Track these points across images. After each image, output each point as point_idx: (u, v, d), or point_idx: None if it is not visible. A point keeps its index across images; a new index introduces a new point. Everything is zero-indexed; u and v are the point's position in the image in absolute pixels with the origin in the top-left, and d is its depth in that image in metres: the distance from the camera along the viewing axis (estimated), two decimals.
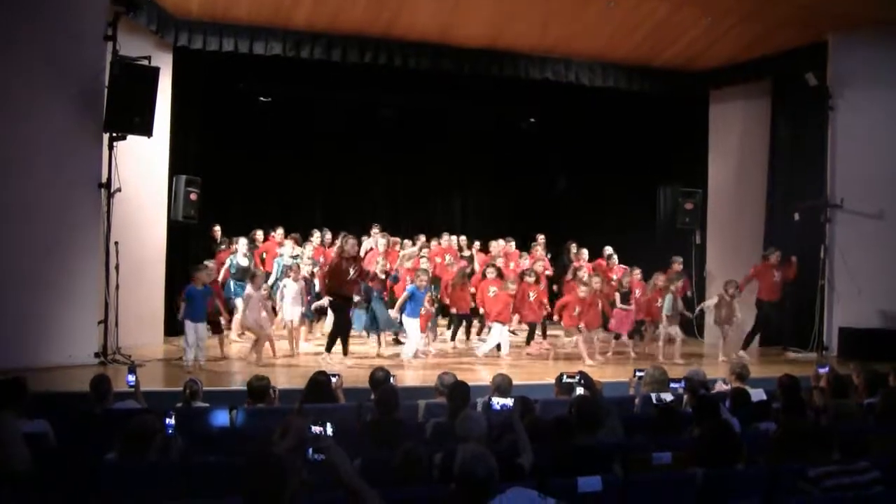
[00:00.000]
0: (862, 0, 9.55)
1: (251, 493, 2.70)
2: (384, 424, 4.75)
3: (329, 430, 3.25)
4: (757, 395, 5.52)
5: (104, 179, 8.68)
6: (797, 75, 10.84)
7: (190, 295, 8.41)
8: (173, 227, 10.53)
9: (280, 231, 11.60)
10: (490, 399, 4.78)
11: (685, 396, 5.76)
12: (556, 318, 10.13)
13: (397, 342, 10.25)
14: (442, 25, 10.60)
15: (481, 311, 10.36)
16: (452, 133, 15.18)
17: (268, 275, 10.20)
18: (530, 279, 10.00)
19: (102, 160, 8.70)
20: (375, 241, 11.27)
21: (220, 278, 10.03)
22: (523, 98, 13.73)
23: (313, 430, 3.25)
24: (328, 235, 11.74)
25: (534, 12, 10.33)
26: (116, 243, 8.70)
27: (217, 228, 11.43)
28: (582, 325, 9.50)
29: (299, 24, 10.46)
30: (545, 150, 15.69)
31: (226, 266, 10.33)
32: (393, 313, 9.30)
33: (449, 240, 11.94)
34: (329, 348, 9.04)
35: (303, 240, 11.39)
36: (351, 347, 9.23)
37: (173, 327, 9.80)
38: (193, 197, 10.26)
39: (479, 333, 11.06)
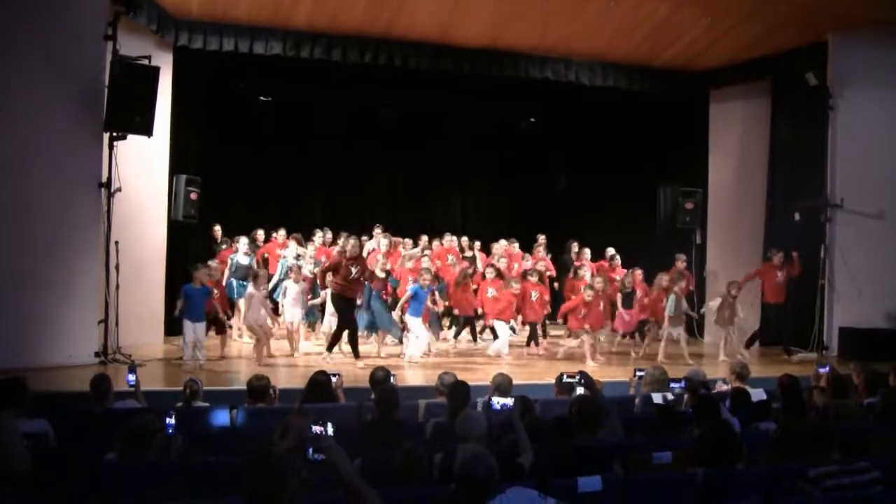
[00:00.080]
0: (862, 0, 9.55)
1: (251, 492, 2.70)
2: (384, 424, 4.75)
3: (330, 430, 3.25)
4: (757, 394, 5.52)
5: (104, 179, 8.68)
6: (797, 75, 10.84)
7: (188, 294, 8.42)
8: (173, 227, 10.54)
9: (282, 232, 11.60)
10: (490, 399, 4.78)
11: (685, 396, 5.76)
12: (560, 320, 10.13)
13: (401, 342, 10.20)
14: (442, 25, 10.60)
15: (479, 311, 10.37)
16: (452, 133, 15.18)
17: (271, 276, 10.19)
18: (533, 279, 9.98)
19: (102, 160, 8.70)
20: (378, 241, 11.28)
21: (224, 278, 10.04)
22: (523, 98, 13.73)
23: (314, 430, 3.25)
24: (328, 235, 11.74)
25: (534, 12, 10.33)
26: (117, 243, 8.71)
27: (217, 228, 11.43)
28: (587, 325, 9.49)
29: (299, 24, 10.46)
30: (545, 150, 15.69)
31: (227, 266, 10.33)
32: (395, 313, 9.30)
33: (451, 240, 11.93)
34: (330, 348, 9.04)
35: (305, 240, 11.39)
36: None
37: (173, 327, 9.79)
38: (194, 196, 10.27)
39: (481, 332, 11.05)
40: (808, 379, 6.42)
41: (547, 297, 10.50)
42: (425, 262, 10.05)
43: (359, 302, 9.16)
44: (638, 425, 5.27)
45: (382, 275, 9.49)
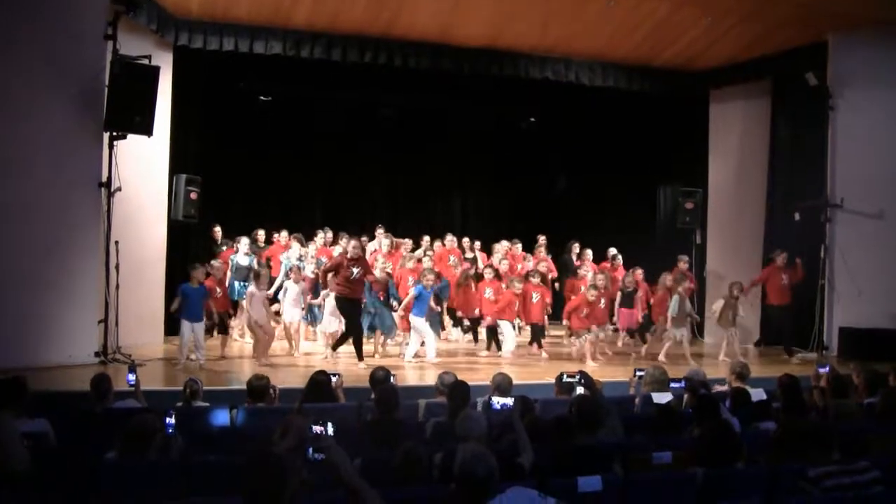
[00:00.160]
0: (862, 0, 9.55)
1: (251, 492, 2.70)
2: (384, 424, 4.75)
3: (330, 430, 3.25)
4: (757, 394, 5.52)
5: (104, 179, 8.68)
6: (797, 75, 10.85)
7: (185, 293, 8.42)
8: (173, 227, 10.54)
9: (284, 234, 11.61)
10: (490, 398, 4.78)
11: (685, 396, 5.76)
12: (565, 321, 10.13)
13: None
14: (442, 25, 10.60)
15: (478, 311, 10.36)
16: (452, 133, 15.17)
17: (274, 279, 10.17)
18: (534, 280, 9.96)
19: (102, 159, 8.70)
20: (379, 241, 11.29)
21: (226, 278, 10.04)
22: (523, 98, 13.73)
23: (314, 430, 3.24)
24: (329, 235, 11.75)
25: (534, 12, 10.33)
26: (117, 243, 8.71)
27: (217, 229, 11.42)
28: (593, 326, 9.49)
29: (299, 24, 10.46)
30: (545, 150, 15.68)
31: (228, 267, 10.31)
32: (399, 314, 9.29)
33: (452, 241, 11.93)
34: (335, 347, 9.00)
35: (306, 240, 11.39)
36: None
37: (173, 327, 9.78)
38: (194, 196, 10.27)
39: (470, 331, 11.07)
40: (808, 379, 6.42)
41: (548, 300, 10.49)
42: (426, 263, 10.05)
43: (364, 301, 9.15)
44: (638, 425, 5.27)
45: (383, 276, 9.49)
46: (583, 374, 5.77)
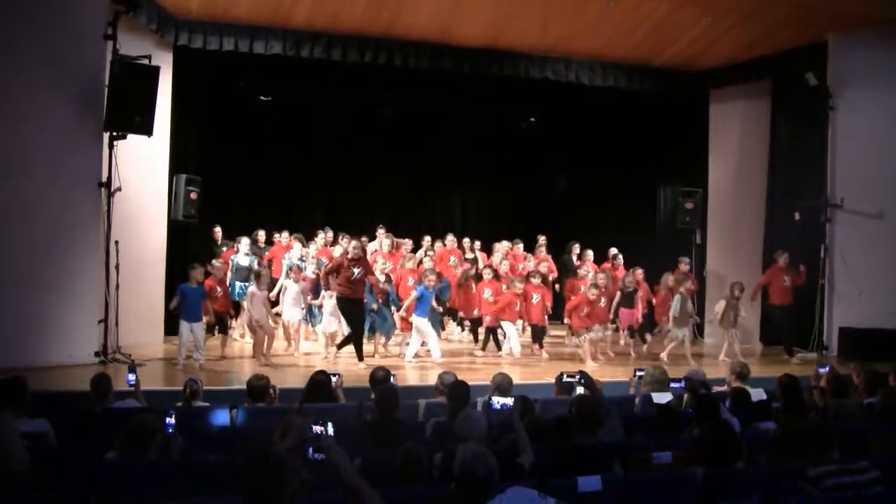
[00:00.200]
0: (862, 0, 9.55)
1: (251, 492, 2.70)
2: (384, 424, 4.75)
3: (330, 430, 3.25)
4: (757, 394, 5.52)
5: (104, 179, 8.69)
6: (797, 75, 10.84)
7: (184, 293, 8.42)
8: (173, 227, 10.54)
9: (285, 234, 11.63)
10: (490, 398, 4.78)
11: (685, 396, 5.76)
12: (566, 320, 10.13)
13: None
14: (442, 25, 10.60)
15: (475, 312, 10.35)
16: (452, 133, 15.17)
17: (275, 280, 10.16)
18: (535, 281, 9.95)
19: (102, 159, 8.70)
20: (380, 241, 11.28)
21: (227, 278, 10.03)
22: (523, 98, 13.73)
23: (314, 430, 3.24)
24: (329, 235, 11.75)
25: (534, 12, 10.33)
26: (117, 243, 8.71)
27: (218, 229, 11.42)
28: (596, 326, 9.49)
29: (299, 24, 10.46)
30: (545, 150, 15.68)
31: (229, 267, 10.29)
32: (402, 314, 9.28)
33: (452, 241, 11.95)
34: (340, 347, 9.00)
35: (307, 240, 11.40)
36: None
37: (173, 326, 9.77)
38: (194, 196, 10.27)
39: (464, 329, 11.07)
40: (808, 379, 6.42)
41: (549, 301, 10.46)
42: (427, 264, 10.03)
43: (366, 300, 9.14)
44: (638, 425, 5.27)
45: (383, 277, 9.49)
46: (583, 374, 5.77)
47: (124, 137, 8.74)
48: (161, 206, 10.37)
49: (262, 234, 11.59)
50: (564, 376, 5.87)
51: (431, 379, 6.41)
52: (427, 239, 12.15)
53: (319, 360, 9.24)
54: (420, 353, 9.37)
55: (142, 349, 9.17)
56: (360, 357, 8.80)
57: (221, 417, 5.21)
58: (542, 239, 11.96)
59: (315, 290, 9.92)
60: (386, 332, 9.65)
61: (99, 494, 3.79)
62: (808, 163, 11.12)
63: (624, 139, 13.85)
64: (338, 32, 10.70)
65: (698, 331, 11.87)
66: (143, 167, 9.75)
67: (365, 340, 9.20)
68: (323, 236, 11.61)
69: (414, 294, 9.19)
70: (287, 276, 9.72)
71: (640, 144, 13.62)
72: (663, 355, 9.61)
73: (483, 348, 10.03)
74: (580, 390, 5.43)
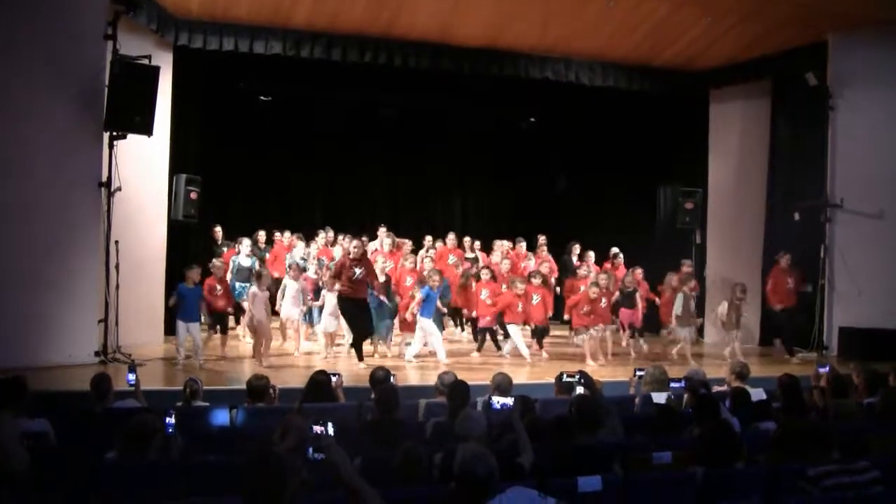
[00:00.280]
0: (862, 0, 9.55)
1: (251, 492, 2.70)
2: (384, 424, 4.75)
3: (330, 430, 3.25)
4: (757, 394, 5.53)
5: (104, 178, 8.69)
6: (797, 75, 10.84)
7: (181, 294, 8.42)
8: (173, 226, 10.54)
9: (287, 234, 11.63)
10: (490, 398, 4.78)
11: (685, 396, 5.76)
12: (566, 316, 10.12)
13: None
14: (442, 25, 10.60)
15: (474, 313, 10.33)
16: (452, 133, 15.18)
17: (278, 280, 10.15)
18: (536, 281, 9.92)
19: (102, 159, 8.71)
20: (381, 240, 11.28)
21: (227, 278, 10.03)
22: (523, 98, 13.73)
23: (315, 430, 3.24)
24: (330, 235, 11.75)
25: (534, 12, 10.33)
26: (116, 242, 8.71)
27: (218, 229, 11.43)
28: (598, 325, 9.49)
29: (299, 24, 10.46)
30: (545, 150, 15.69)
31: (230, 268, 10.29)
32: (409, 315, 9.27)
33: (453, 240, 11.94)
34: (360, 357, 8.89)
35: (307, 239, 11.41)
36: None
37: (173, 326, 9.78)
38: (193, 196, 10.28)
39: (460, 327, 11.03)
40: (808, 379, 6.42)
41: (549, 301, 10.44)
42: (428, 265, 10.01)
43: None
44: (638, 425, 5.27)
45: (383, 277, 9.48)
46: (582, 373, 5.77)
47: (124, 137, 8.74)
48: (161, 205, 10.37)
49: (262, 235, 11.60)
50: (564, 376, 5.87)
51: (431, 379, 6.41)
52: (428, 238, 12.15)
53: (319, 360, 9.24)
54: (422, 353, 9.37)
55: (142, 349, 9.16)
56: (360, 357, 8.80)
57: (221, 417, 5.21)
58: (542, 239, 11.95)
59: (316, 290, 9.92)
60: (382, 332, 9.62)
61: (99, 494, 3.79)
62: (808, 163, 11.12)
63: (624, 139, 13.85)
64: (338, 32, 10.70)
65: (698, 331, 11.86)
66: (143, 167, 9.75)
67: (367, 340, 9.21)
68: (324, 236, 11.62)
69: (419, 295, 9.18)
70: (287, 274, 9.72)
71: (640, 144, 13.62)
72: (674, 353, 9.65)
73: (479, 349, 9.97)
74: (580, 390, 5.43)
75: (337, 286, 8.93)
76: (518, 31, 10.88)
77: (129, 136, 8.75)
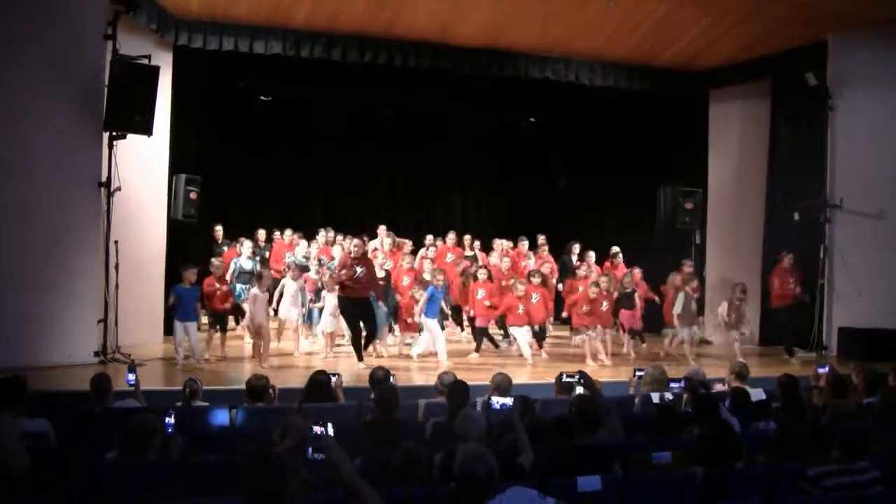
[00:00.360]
0: (862, 0, 9.55)
1: (251, 492, 2.70)
2: (384, 424, 4.74)
3: (330, 431, 3.25)
4: (756, 394, 5.53)
5: (104, 178, 8.69)
6: (797, 75, 10.85)
7: (178, 294, 8.42)
8: (173, 226, 10.54)
9: (288, 232, 11.62)
10: (490, 398, 4.78)
11: (685, 396, 5.76)
12: (565, 314, 10.10)
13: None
14: (442, 25, 10.60)
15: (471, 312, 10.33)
16: (452, 133, 15.18)
17: (277, 280, 10.15)
18: (535, 280, 9.90)
19: (102, 159, 8.71)
20: (381, 239, 11.28)
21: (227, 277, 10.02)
22: (523, 98, 13.74)
23: (315, 431, 3.24)
24: (331, 234, 11.76)
25: (534, 12, 10.33)
26: (116, 242, 8.71)
27: (219, 229, 11.42)
28: (597, 325, 9.49)
29: (299, 24, 10.46)
30: (545, 149, 15.69)
31: (231, 270, 10.27)
32: (414, 317, 9.27)
33: (452, 239, 11.93)
34: (365, 347, 8.93)
35: (308, 239, 11.40)
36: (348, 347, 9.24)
37: (173, 326, 9.79)
38: (193, 196, 10.28)
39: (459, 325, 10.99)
40: (808, 379, 6.42)
41: (550, 301, 10.43)
42: (427, 266, 9.99)
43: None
44: (638, 425, 5.27)
45: (382, 274, 9.47)
46: (582, 374, 5.77)
47: (124, 137, 8.74)
48: (161, 205, 10.37)
49: (262, 233, 11.59)
50: (564, 376, 5.87)
51: (431, 379, 6.41)
52: (429, 237, 12.15)
53: (319, 360, 9.24)
54: (423, 353, 9.37)
55: (141, 349, 9.16)
56: (360, 357, 8.80)
57: (221, 417, 5.21)
58: (542, 239, 11.94)
59: (316, 291, 9.92)
60: (377, 332, 9.60)
61: (99, 494, 3.79)
62: (807, 163, 11.12)
63: (624, 139, 13.85)
64: (338, 32, 10.69)
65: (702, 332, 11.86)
66: (142, 167, 9.75)
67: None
68: (324, 235, 11.63)
69: (424, 295, 9.18)
70: (285, 274, 9.72)
71: (640, 144, 13.62)
72: (688, 354, 9.67)
73: (477, 349, 9.93)
74: (580, 390, 5.43)
75: (337, 287, 8.92)
76: (518, 31, 10.88)
77: (129, 135, 8.75)
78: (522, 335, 9.57)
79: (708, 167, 12.72)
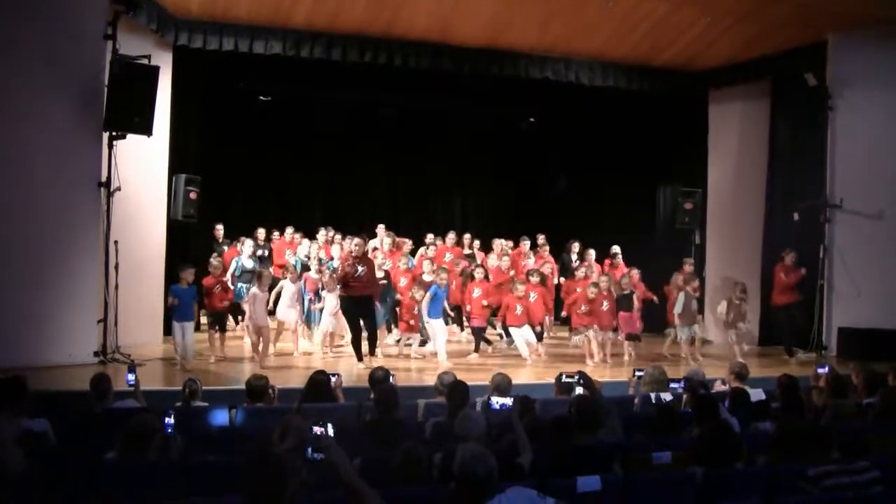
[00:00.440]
0: (862, 0, 9.55)
1: (251, 492, 2.70)
2: (384, 424, 4.74)
3: (330, 431, 3.25)
4: (756, 395, 5.53)
5: (104, 178, 8.69)
6: (797, 75, 10.85)
7: (175, 294, 8.42)
8: (173, 226, 10.54)
9: (289, 231, 11.62)
10: (489, 398, 4.78)
11: (685, 396, 5.76)
12: (564, 314, 10.09)
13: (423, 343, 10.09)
14: (442, 25, 10.60)
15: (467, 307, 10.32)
16: (452, 133, 15.18)
17: (275, 279, 10.15)
18: (534, 280, 9.89)
19: (102, 159, 8.71)
20: (381, 239, 11.28)
21: (229, 276, 10.02)
22: (523, 98, 13.73)
23: (315, 431, 3.24)
24: (331, 233, 11.75)
25: (533, 12, 10.34)
26: (116, 242, 8.71)
27: (219, 227, 11.41)
28: (595, 326, 9.48)
29: (299, 24, 10.46)
30: (545, 149, 15.69)
31: (231, 269, 10.27)
32: (425, 317, 9.27)
33: (452, 239, 11.93)
34: (372, 352, 8.89)
35: (307, 238, 11.40)
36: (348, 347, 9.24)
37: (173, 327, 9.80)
38: (193, 196, 10.27)
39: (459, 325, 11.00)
40: (808, 379, 6.42)
41: (550, 301, 10.41)
42: (427, 266, 9.99)
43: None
44: (637, 425, 5.27)
45: (381, 274, 9.48)
46: (582, 374, 5.78)
47: (124, 137, 8.74)
48: (160, 205, 10.37)
49: (261, 233, 11.59)
50: (563, 376, 5.87)
51: (431, 379, 6.41)
52: (430, 237, 12.14)
53: (318, 360, 9.24)
54: (423, 353, 9.36)
55: (141, 349, 9.16)
56: (359, 357, 8.80)
57: (220, 417, 5.20)
58: (542, 238, 11.94)
59: (316, 291, 9.91)
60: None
61: (99, 494, 3.79)
62: (807, 163, 11.12)
63: (624, 139, 13.84)
64: (338, 32, 10.69)
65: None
66: (142, 167, 9.75)
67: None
68: (324, 234, 11.62)
69: (429, 293, 9.18)
70: (284, 275, 9.72)
71: (639, 144, 13.61)
72: (698, 357, 9.69)
73: (476, 350, 9.91)
74: (579, 390, 5.43)
75: (339, 287, 8.92)
76: (518, 30, 10.88)
77: (129, 135, 8.75)
78: (521, 335, 9.56)
79: (707, 167, 12.72)
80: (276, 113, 13.87)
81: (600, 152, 14.30)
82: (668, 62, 11.98)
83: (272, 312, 9.68)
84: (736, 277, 10.72)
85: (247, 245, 10.53)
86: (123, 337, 8.87)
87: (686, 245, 12.27)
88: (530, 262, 11.10)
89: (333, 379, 5.94)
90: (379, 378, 5.69)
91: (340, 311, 9.19)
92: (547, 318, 10.49)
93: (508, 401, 4.49)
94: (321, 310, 9.68)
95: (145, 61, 8.79)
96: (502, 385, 5.47)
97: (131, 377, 5.85)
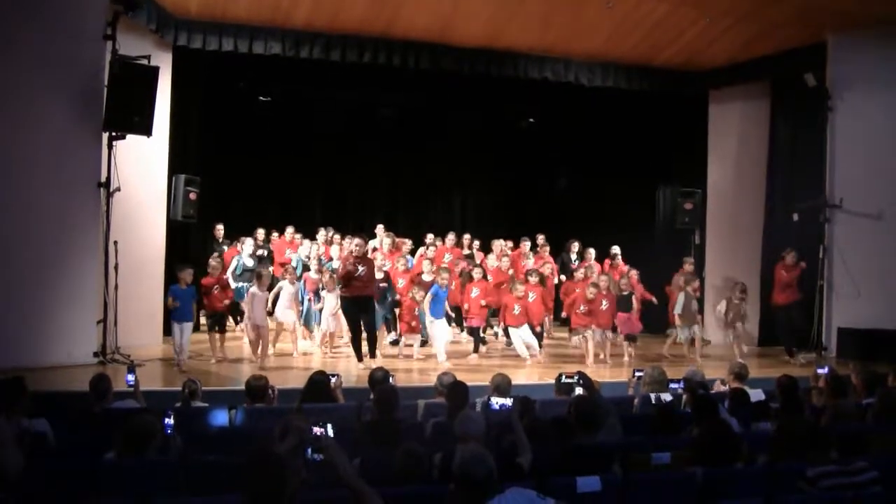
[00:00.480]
0: (862, 0, 9.55)
1: (251, 492, 2.70)
2: (383, 424, 4.74)
3: (330, 432, 3.25)
4: (755, 395, 5.53)
5: (104, 179, 8.69)
6: (796, 76, 10.85)
7: (174, 294, 8.42)
8: (173, 227, 10.54)
9: (289, 231, 11.62)
10: (489, 399, 4.78)
11: (684, 396, 5.76)
12: (564, 314, 10.09)
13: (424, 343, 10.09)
14: (441, 25, 10.60)
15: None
16: (452, 132, 15.19)
17: (275, 278, 10.15)
18: (532, 280, 9.87)
19: (102, 159, 8.70)
20: (380, 239, 11.29)
21: (229, 275, 10.02)
22: (523, 98, 13.73)
23: (315, 431, 3.25)
24: (331, 233, 11.76)
25: (533, 12, 10.34)
26: (116, 243, 8.71)
27: (220, 227, 11.41)
28: (593, 325, 9.49)
29: (298, 24, 10.46)
30: (545, 150, 15.69)
31: (232, 268, 10.27)
32: (427, 318, 9.27)
33: (451, 239, 11.93)
34: (372, 354, 8.88)
35: (306, 238, 11.41)
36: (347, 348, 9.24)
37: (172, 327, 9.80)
38: (193, 196, 10.27)
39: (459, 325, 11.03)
40: (807, 379, 6.42)
41: (549, 301, 10.40)
42: (426, 266, 9.99)
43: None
44: (637, 425, 5.27)
45: (381, 274, 9.48)
46: (581, 374, 5.78)
47: (123, 137, 8.74)
48: (160, 206, 10.37)
49: (261, 232, 11.59)
50: (563, 377, 5.87)
51: (431, 379, 6.41)
52: (430, 237, 12.14)
53: (318, 360, 9.24)
54: (420, 354, 9.37)
55: (141, 349, 9.16)
56: (359, 357, 8.80)
57: (220, 418, 5.21)
58: (541, 238, 11.93)
59: (316, 291, 9.91)
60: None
61: (98, 494, 3.79)
62: (807, 163, 11.13)
63: (623, 139, 13.84)
64: (337, 32, 10.69)
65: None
66: (142, 167, 9.75)
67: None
68: (324, 234, 11.62)
69: (430, 294, 9.19)
70: (283, 275, 9.72)
71: (639, 144, 13.61)
72: (697, 357, 9.68)
73: (476, 350, 9.89)
74: (579, 391, 5.43)
75: (339, 287, 8.92)
76: (517, 31, 10.88)
77: (129, 136, 8.75)
78: (519, 336, 9.56)
79: (707, 167, 12.71)
80: (276, 113, 13.88)
81: (600, 152, 14.31)
82: (667, 62, 11.98)
83: (271, 313, 9.69)
84: (736, 277, 10.73)
85: (247, 244, 10.54)
86: (123, 337, 8.87)
87: (686, 245, 12.27)
88: (530, 263, 11.10)
89: (333, 379, 5.94)
90: (378, 378, 5.70)
91: (340, 311, 9.19)
92: (547, 318, 10.50)
93: (508, 401, 4.50)
94: (321, 310, 9.68)
95: (145, 61, 8.79)
96: (502, 385, 5.47)
97: (131, 377, 5.85)
